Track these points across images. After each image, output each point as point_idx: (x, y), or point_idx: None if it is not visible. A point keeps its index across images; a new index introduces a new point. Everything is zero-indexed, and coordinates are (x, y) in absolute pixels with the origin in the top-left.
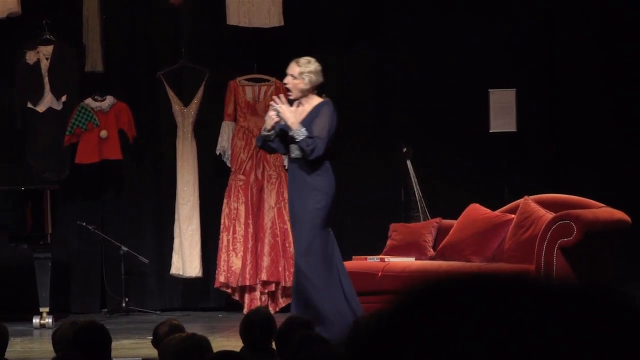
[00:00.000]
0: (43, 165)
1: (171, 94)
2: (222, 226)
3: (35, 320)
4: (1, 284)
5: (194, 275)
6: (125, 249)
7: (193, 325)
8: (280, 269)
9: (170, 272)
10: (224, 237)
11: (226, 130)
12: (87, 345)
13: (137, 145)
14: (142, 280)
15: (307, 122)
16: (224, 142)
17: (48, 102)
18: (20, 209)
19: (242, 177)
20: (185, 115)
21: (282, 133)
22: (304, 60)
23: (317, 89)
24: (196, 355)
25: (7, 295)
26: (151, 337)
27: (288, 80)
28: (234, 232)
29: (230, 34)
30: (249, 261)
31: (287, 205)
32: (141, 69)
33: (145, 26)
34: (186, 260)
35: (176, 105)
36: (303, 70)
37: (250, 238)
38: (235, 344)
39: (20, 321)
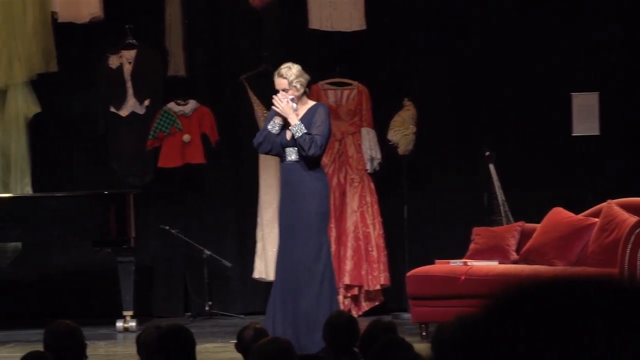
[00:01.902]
0: (126, 170)
1: (253, 98)
2: None
3: (119, 324)
4: (85, 287)
5: None
6: (208, 252)
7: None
8: (362, 273)
9: (253, 276)
10: None
11: None
12: (172, 349)
13: (219, 149)
14: (225, 284)
15: (303, 123)
16: None
17: (131, 106)
18: (104, 213)
19: None
20: None
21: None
22: (284, 70)
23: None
24: (280, 358)
25: (91, 299)
26: (235, 341)
27: (284, 95)
28: None
29: (313, 38)
30: None
31: (369, 209)
32: (223, 73)
33: (227, 30)
34: (269, 264)
35: (258, 109)
36: (291, 80)
37: (333, 242)
38: None
39: (104, 325)
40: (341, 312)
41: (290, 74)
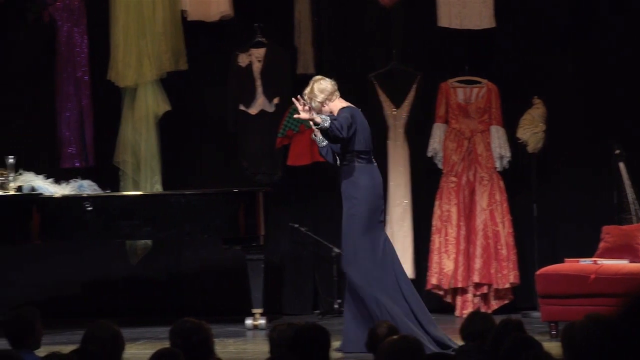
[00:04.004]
0: (256, 167)
1: (382, 96)
2: (433, 228)
3: (248, 322)
4: (215, 285)
5: None
6: (337, 250)
7: None
8: (492, 271)
9: None
10: (436, 239)
11: (437, 132)
12: (307, 347)
13: None
14: None
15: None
16: (436, 144)
17: (260, 104)
18: (234, 211)
19: (453, 179)
20: (396, 118)
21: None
22: (311, 82)
23: (334, 96)
24: (410, 357)
25: (221, 296)
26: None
27: (308, 104)
28: (446, 234)
29: (442, 36)
30: (460, 263)
31: (499, 207)
32: (352, 71)
33: (356, 28)
34: None
35: (387, 108)
36: (306, 93)
37: (462, 240)
38: None
39: (233, 322)
40: (478, 312)
41: (308, 90)
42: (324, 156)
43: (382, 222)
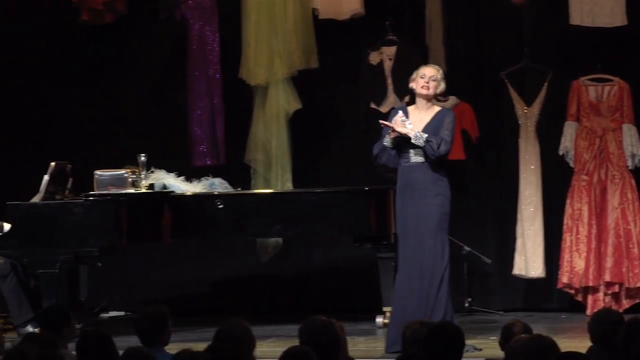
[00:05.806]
0: (386, 166)
1: (514, 94)
2: (565, 226)
3: (379, 320)
4: (345, 283)
5: (536, 276)
6: (467, 249)
7: (536, 326)
8: (623, 270)
9: (513, 272)
10: (567, 238)
11: (569, 130)
12: (440, 345)
13: (479, 145)
14: (485, 281)
15: (432, 127)
16: (567, 142)
17: (391, 102)
18: (364, 209)
19: (585, 177)
20: (527, 116)
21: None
22: (440, 74)
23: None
24: (544, 356)
25: (351, 294)
26: (495, 338)
27: (430, 82)
28: (577, 233)
29: (574, 34)
30: (592, 262)
31: (630, 206)
32: (484, 69)
33: (488, 26)
34: (529, 261)
35: (519, 106)
36: (441, 76)
37: (593, 239)
38: (579, 345)
39: (364, 320)
40: (609, 309)
41: (440, 76)
42: (390, 158)
43: None
